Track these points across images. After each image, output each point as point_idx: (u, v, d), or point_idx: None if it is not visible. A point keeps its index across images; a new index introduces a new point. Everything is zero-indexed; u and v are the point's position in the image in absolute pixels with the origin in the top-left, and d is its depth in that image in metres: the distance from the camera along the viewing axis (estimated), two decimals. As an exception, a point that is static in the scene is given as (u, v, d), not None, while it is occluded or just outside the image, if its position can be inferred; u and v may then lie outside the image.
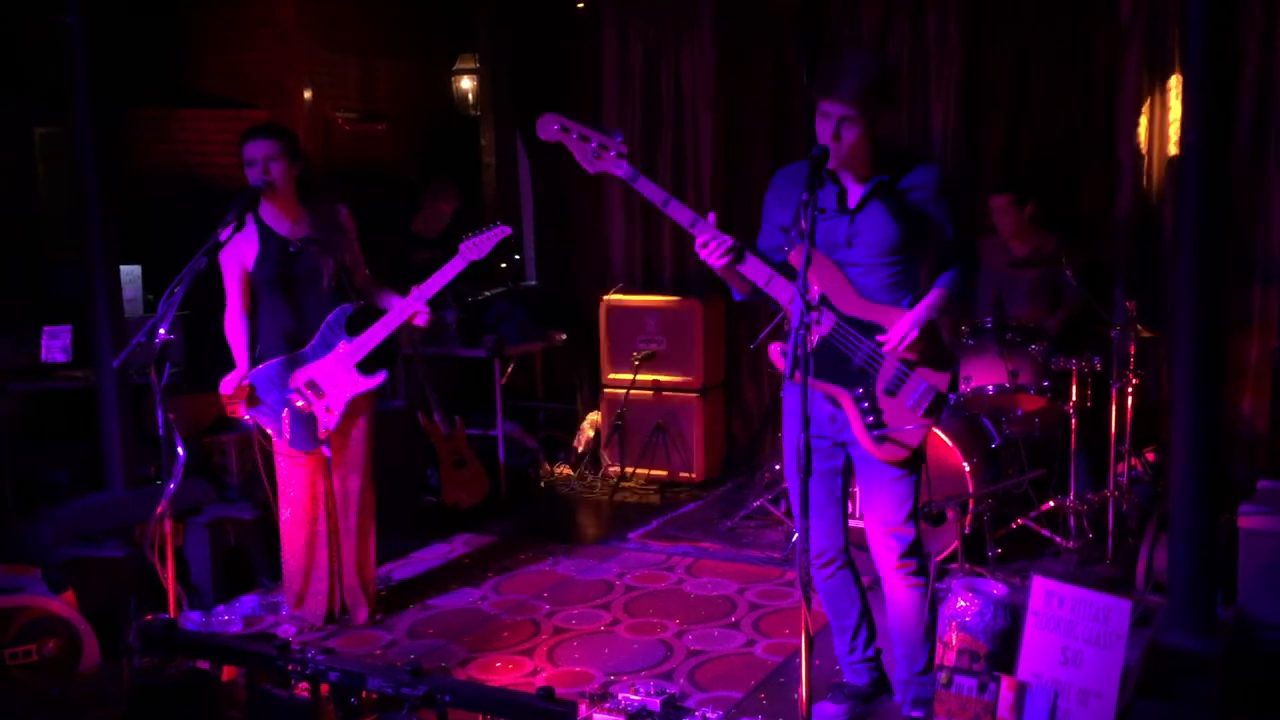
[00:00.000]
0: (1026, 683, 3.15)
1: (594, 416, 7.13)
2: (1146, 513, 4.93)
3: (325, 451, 4.52)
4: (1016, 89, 6.19)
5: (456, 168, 7.84)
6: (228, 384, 4.41)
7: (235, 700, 3.70)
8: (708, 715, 3.44)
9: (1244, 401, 5.63)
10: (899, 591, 3.53)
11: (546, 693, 3.18)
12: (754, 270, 3.36)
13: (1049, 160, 6.13)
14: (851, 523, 4.48)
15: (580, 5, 7.33)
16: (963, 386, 5.25)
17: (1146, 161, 5.81)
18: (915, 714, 3.53)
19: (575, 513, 6.40)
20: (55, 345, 5.52)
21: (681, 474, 6.72)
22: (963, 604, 3.55)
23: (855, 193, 3.38)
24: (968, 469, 4.89)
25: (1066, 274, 5.20)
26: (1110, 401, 5.08)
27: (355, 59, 7.35)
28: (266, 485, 4.66)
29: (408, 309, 4.45)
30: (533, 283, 8.01)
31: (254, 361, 4.45)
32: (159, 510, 3.86)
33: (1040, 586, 3.33)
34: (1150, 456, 5.53)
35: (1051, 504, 5.16)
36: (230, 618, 4.69)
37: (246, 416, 4.48)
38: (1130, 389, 5.02)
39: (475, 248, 4.50)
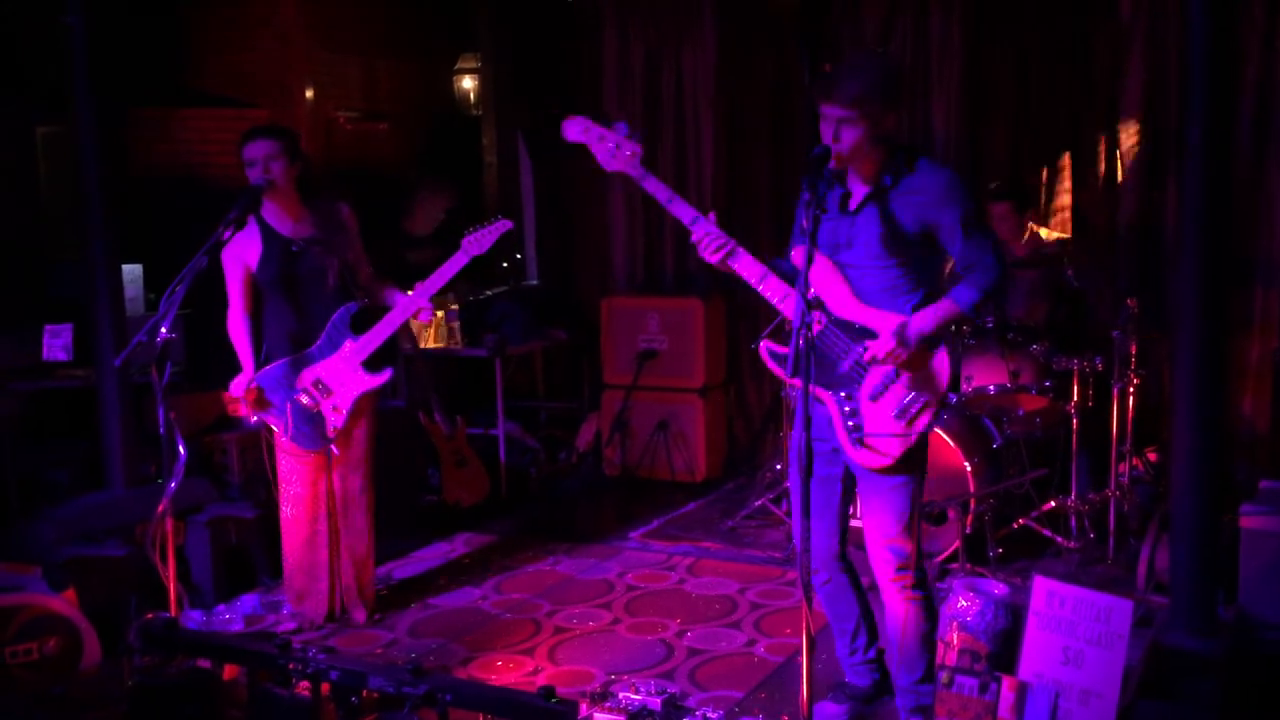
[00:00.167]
0: (1028, 683, 3.15)
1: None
2: (1148, 513, 4.93)
3: (334, 450, 4.52)
4: (1018, 89, 6.19)
5: (458, 167, 7.85)
6: (236, 387, 4.40)
7: (236, 699, 3.70)
8: (708, 715, 3.43)
9: (1245, 402, 5.63)
10: (896, 604, 3.50)
11: (547, 692, 3.18)
12: (747, 268, 3.38)
13: (1050, 160, 6.13)
14: (854, 523, 4.49)
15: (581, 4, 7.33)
16: (964, 386, 5.25)
17: (1148, 162, 5.81)
18: (913, 721, 3.53)
19: (576, 512, 6.41)
20: (57, 344, 5.53)
21: (683, 473, 6.73)
22: (964, 604, 3.55)
23: (858, 194, 3.37)
24: (969, 469, 4.89)
25: (1068, 274, 5.20)
26: (1112, 401, 5.08)
27: (356, 59, 7.36)
28: (273, 483, 4.66)
29: (411, 306, 4.45)
30: (534, 282, 8.01)
31: (260, 363, 4.45)
32: (160, 509, 3.86)
33: (1042, 586, 3.34)
34: (1152, 456, 5.53)
35: (1053, 504, 5.15)
36: (231, 617, 4.69)
37: (254, 419, 4.48)
38: (1132, 389, 5.02)
39: (478, 242, 4.50)
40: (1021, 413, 5.23)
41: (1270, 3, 5.42)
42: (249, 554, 5.08)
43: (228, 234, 4.11)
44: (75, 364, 5.55)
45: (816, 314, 3.37)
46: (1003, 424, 5.25)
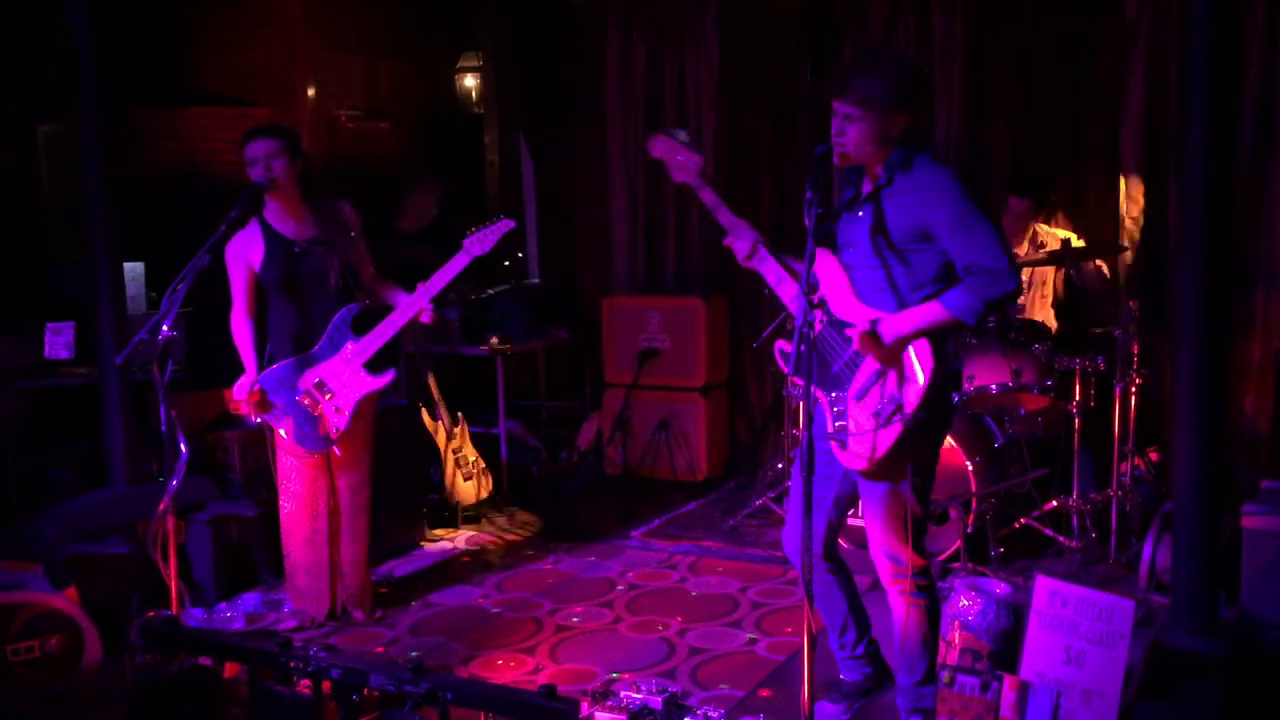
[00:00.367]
0: (1029, 682, 3.15)
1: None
2: (1149, 512, 4.92)
3: (336, 451, 4.52)
4: (1018, 89, 6.19)
5: (459, 166, 7.85)
6: (239, 389, 4.40)
7: (237, 697, 3.69)
8: (709, 714, 3.43)
9: (1247, 402, 5.63)
10: (897, 606, 3.52)
11: (548, 690, 3.18)
12: (768, 269, 3.50)
13: (1051, 160, 6.13)
14: (853, 522, 4.49)
15: (583, 4, 7.33)
16: (966, 385, 5.24)
17: (1150, 162, 5.80)
18: (913, 722, 3.54)
19: (577, 511, 6.41)
20: (59, 341, 5.53)
21: (684, 472, 6.72)
22: (966, 603, 3.55)
23: (863, 194, 3.38)
24: (971, 468, 4.89)
25: (1069, 273, 5.20)
26: (1113, 401, 5.08)
27: (358, 58, 7.36)
28: (275, 481, 4.66)
29: (413, 307, 4.45)
30: (535, 281, 8.01)
31: (265, 363, 4.45)
32: (161, 507, 3.86)
33: (1043, 586, 3.34)
34: (1153, 456, 5.53)
35: (1054, 503, 5.15)
36: (232, 615, 4.69)
37: (257, 420, 4.48)
38: (1133, 388, 5.02)
39: (480, 242, 4.49)
40: (1023, 412, 5.23)
41: (1272, 3, 5.42)
42: (250, 552, 5.08)
43: (229, 233, 4.11)
44: (77, 362, 5.55)
45: (818, 314, 3.38)
46: (1004, 423, 5.25)
